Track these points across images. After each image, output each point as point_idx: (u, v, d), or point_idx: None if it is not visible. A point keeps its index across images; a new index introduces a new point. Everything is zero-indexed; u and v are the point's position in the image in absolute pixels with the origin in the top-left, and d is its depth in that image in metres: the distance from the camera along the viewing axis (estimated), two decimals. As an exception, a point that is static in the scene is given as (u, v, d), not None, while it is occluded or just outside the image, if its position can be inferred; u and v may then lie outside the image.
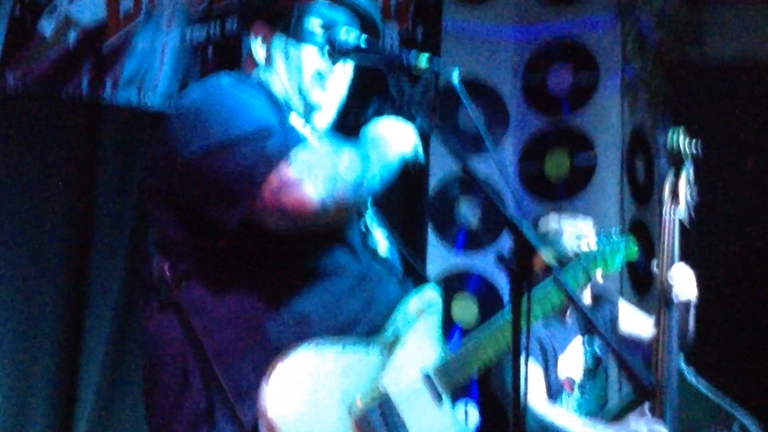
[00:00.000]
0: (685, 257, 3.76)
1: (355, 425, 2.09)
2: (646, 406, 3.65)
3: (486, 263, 5.48)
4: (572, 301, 1.80)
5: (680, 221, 3.77)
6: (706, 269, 3.86)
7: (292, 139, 2.05)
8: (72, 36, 4.52)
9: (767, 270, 4.46)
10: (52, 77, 4.47)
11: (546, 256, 1.78)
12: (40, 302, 4.44)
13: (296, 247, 2.11)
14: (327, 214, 2.00)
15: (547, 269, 1.78)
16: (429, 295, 2.34)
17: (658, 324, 3.67)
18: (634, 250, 3.24)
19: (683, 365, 3.74)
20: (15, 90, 4.38)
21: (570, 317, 3.96)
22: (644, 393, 1.73)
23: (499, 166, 2.26)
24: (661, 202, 3.82)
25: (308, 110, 2.33)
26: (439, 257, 5.48)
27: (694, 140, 3.80)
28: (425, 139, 5.45)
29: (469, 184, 5.58)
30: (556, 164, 5.56)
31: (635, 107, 5.56)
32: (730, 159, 5.28)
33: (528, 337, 1.81)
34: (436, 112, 5.39)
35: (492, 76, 5.68)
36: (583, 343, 3.95)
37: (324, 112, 2.34)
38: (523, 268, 1.80)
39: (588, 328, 3.97)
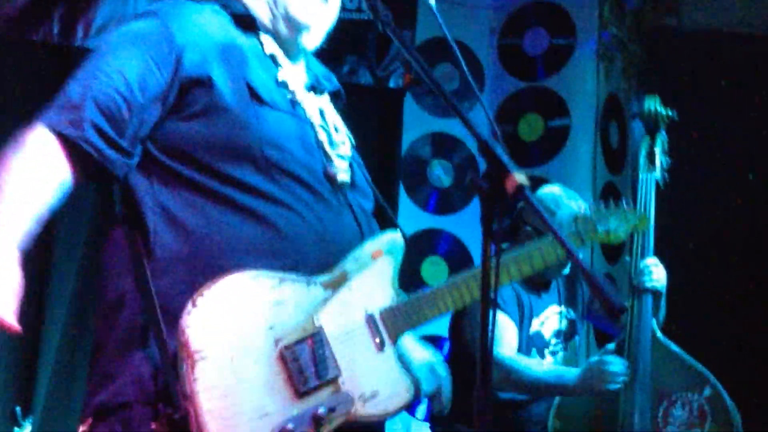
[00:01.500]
0: (660, 222, 3.80)
1: (279, 356, 1.99)
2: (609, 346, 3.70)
3: (458, 225, 5.45)
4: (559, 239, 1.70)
5: (656, 183, 3.81)
6: (679, 235, 3.88)
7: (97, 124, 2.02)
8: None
9: (741, 237, 4.47)
10: (20, 21, 4.36)
11: (519, 177, 1.69)
12: None
13: (242, 177, 2.05)
14: None
15: (520, 191, 1.68)
16: (389, 237, 2.23)
17: (631, 313, 3.70)
18: (645, 220, 3.12)
19: (656, 327, 3.75)
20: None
21: (547, 293, 3.95)
22: (615, 313, 1.66)
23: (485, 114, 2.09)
24: (635, 167, 3.86)
25: (297, 30, 2.25)
26: (410, 218, 5.44)
27: (668, 108, 3.86)
28: (399, 99, 5.37)
29: (441, 145, 5.56)
30: (531, 127, 5.54)
31: (611, 72, 5.54)
32: (704, 125, 5.27)
33: (496, 288, 1.73)
34: (411, 69, 5.34)
35: (468, 38, 5.62)
36: (560, 311, 3.94)
37: (313, 32, 2.27)
38: (496, 189, 1.71)
39: (567, 296, 3.97)
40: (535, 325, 3.88)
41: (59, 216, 4.27)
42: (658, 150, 3.83)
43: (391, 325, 2.16)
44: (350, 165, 2.27)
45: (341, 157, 2.24)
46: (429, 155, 5.59)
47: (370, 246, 2.18)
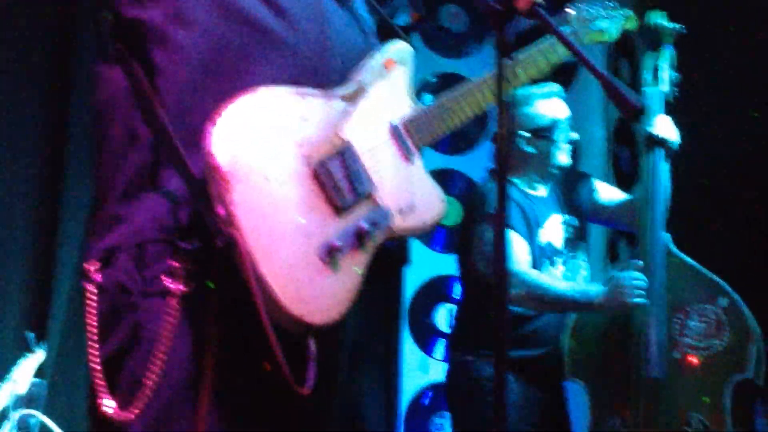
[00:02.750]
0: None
1: (312, 173, 1.93)
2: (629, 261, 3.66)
3: (470, 164, 5.43)
4: (567, 45, 1.69)
5: (664, 97, 3.77)
6: (687, 153, 3.84)
7: None
8: None
9: (749, 151, 4.43)
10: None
11: None
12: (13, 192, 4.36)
13: None
14: None
15: (533, 7, 1.67)
16: (398, 47, 2.18)
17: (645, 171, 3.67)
18: (633, 19, 3.10)
19: (669, 241, 3.72)
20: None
21: (546, 195, 3.93)
22: (632, 112, 1.64)
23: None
24: (640, 82, 3.82)
25: None
26: (422, 158, 5.40)
27: (675, 24, 3.81)
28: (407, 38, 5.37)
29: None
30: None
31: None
32: (718, 58, 5.19)
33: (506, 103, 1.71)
34: (418, 9, 5.31)
35: (476, -22, 5.58)
36: (563, 220, 3.93)
37: None
38: (508, 7, 1.69)
39: (566, 202, 3.96)
40: (543, 236, 3.86)
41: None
42: (665, 64, 3.77)
43: (415, 134, 2.13)
44: None
45: None
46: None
47: (381, 56, 2.13)
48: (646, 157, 3.72)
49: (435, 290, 5.45)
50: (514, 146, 3.88)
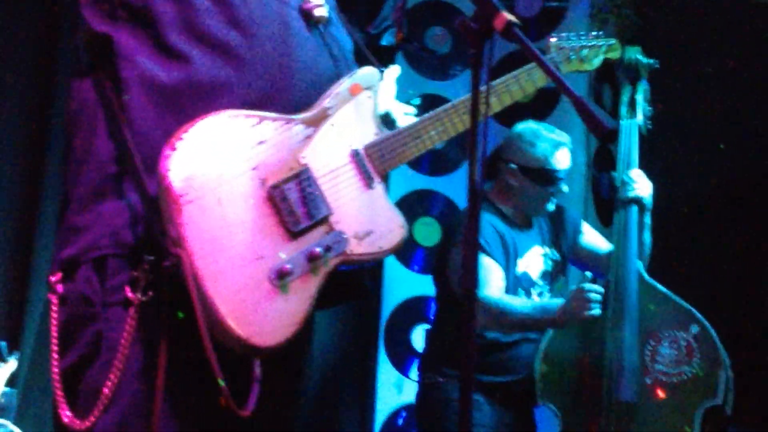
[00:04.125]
0: (643, 168, 3.82)
1: (267, 196, 1.94)
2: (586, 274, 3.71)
3: (451, 185, 5.44)
4: (540, 64, 1.69)
5: (639, 129, 3.85)
6: (665, 183, 3.90)
7: None
8: None
9: (727, 185, 4.49)
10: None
11: (507, 14, 1.70)
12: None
13: (215, 13, 2.00)
14: None
15: (509, 28, 1.68)
16: (367, 72, 2.17)
17: (618, 228, 3.74)
18: (616, 48, 3.08)
19: (642, 268, 3.75)
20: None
21: (531, 227, 3.95)
22: (604, 134, 1.65)
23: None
24: (618, 114, 3.89)
25: None
26: (402, 179, 5.43)
27: (650, 59, 3.91)
28: (391, 58, 5.36)
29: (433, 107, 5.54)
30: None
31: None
32: (695, 93, 5.26)
33: (486, 122, 1.72)
34: (403, 30, 5.33)
35: (459, 1, 5.62)
36: (544, 253, 3.94)
37: None
38: (485, 27, 1.70)
39: (551, 237, 3.97)
40: (521, 266, 3.87)
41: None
42: (639, 97, 3.90)
43: (377, 160, 2.12)
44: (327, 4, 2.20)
45: None
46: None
47: (348, 81, 2.13)
48: (617, 215, 3.79)
49: (412, 310, 5.44)
50: (503, 177, 3.91)
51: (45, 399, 4.31)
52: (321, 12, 2.16)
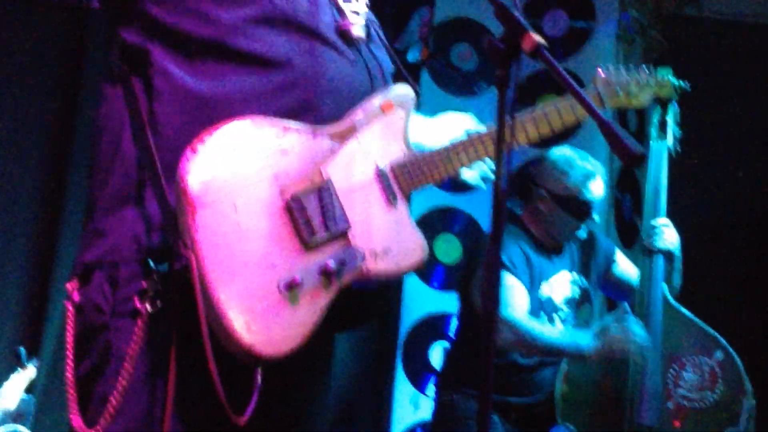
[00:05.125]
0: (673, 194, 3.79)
1: (284, 206, 1.91)
2: (625, 306, 3.65)
3: (471, 202, 5.42)
4: (567, 85, 1.66)
5: (668, 151, 3.81)
6: (693, 208, 3.87)
7: None
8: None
9: (752, 215, 4.46)
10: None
11: (535, 36, 1.67)
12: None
13: (248, 26, 1.99)
14: None
15: (538, 50, 1.65)
16: (400, 90, 2.14)
17: (643, 275, 3.71)
18: (667, 86, 2.98)
19: (667, 291, 3.72)
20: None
21: (559, 258, 3.92)
22: (631, 160, 1.62)
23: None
24: (647, 136, 3.85)
25: None
26: (424, 196, 5.41)
27: (681, 80, 3.86)
28: (416, 74, 5.36)
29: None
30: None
31: (630, 56, 5.50)
32: (722, 117, 5.25)
33: (509, 150, 1.68)
34: (429, 46, 5.34)
35: (487, 19, 5.61)
36: (572, 279, 3.91)
37: None
38: (512, 46, 1.67)
39: (581, 263, 3.94)
40: (546, 290, 3.84)
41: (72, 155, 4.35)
42: (669, 120, 3.82)
43: (402, 180, 2.09)
44: (366, 25, 2.18)
45: (355, 12, 2.16)
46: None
47: (380, 98, 2.10)
48: (642, 263, 3.74)
49: (431, 327, 5.42)
50: (534, 202, 3.89)
51: (62, 406, 4.31)
52: (358, 32, 2.13)
